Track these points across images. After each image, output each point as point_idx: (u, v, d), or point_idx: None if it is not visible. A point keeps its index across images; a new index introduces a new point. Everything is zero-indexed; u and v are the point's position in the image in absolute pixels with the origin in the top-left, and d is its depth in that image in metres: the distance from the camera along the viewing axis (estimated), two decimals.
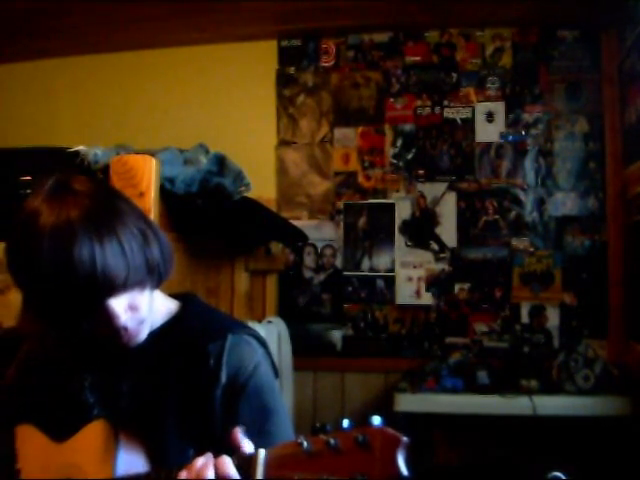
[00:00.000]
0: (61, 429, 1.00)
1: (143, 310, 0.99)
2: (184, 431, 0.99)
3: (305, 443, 0.71)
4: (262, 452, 0.75)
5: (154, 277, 0.99)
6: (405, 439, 0.68)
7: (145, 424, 0.99)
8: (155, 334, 1.05)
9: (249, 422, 1.00)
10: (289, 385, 2.74)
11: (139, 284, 0.96)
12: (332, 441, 0.70)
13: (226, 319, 1.18)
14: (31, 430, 1.03)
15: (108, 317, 0.94)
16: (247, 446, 0.82)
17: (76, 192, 0.92)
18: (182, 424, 1.00)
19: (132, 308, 0.97)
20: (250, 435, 0.85)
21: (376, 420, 0.70)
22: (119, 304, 0.94)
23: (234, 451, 0.81)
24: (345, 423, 0.72)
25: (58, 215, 0.89)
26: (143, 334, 1.01)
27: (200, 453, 0.85)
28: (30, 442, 1.03)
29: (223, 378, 1.02)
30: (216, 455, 0.81)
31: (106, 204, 0.94)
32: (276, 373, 1.12)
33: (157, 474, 0.89)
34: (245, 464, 0.77)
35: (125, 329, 0.97)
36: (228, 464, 0.79)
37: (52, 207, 0.90)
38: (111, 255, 0.90)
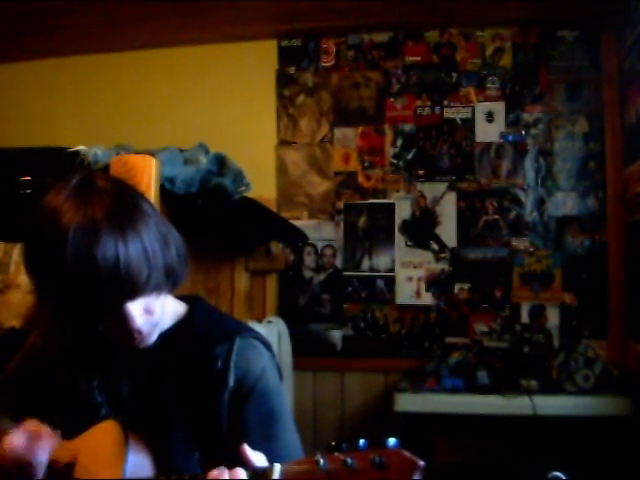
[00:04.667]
0: (69, 428, 1.00)
1: (157, 314, 0.99)
2: (190, 434, 0.99)
3: (322, 461, 0.71)
4: (277, 466, 0.76)
5: (170, 281, 0.99)
6: (421, 463, 0.68)
7: (151, 426, 0.99)
8: (163, 336, 1.05)
9: (255, 426, 1.00)
10: (289, 385, 2.74)
11: (157, 288, 0.96)
12: (349, 460, 0.70)
13: (233, 322, 1.18)
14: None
15: (124, 320, 0.94)
16: (257, 460, 0.81)
17: (101, 191, 0.91)
18: (188, 427, 1.00)
19: (147, 311, 0.97)
20: (256, 439, 0.85)
21: (392, 441, 0.71)
22: (136, 307, 0.94)
23: (246, 465, 0.81)
24: (361, 443, 0.72)
25: (83, 214, 0.88)
26: (154, 337, 1.01)
27: (206, 456, 0.84)
28: None
29: (231, 381, 1.02)
30: (227, 464, 0.81)
31: (130, 204, 0.94)
32: (281, 376, 1.12)
33: (167, 478, 0.90)
34: (259, 478, 0.77)
35: (139, 332, 0.97)
36: (241, 476, 0.79)
37: (77, 206, 0.89)
38: (135, 257, 0.89)
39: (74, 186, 0.92)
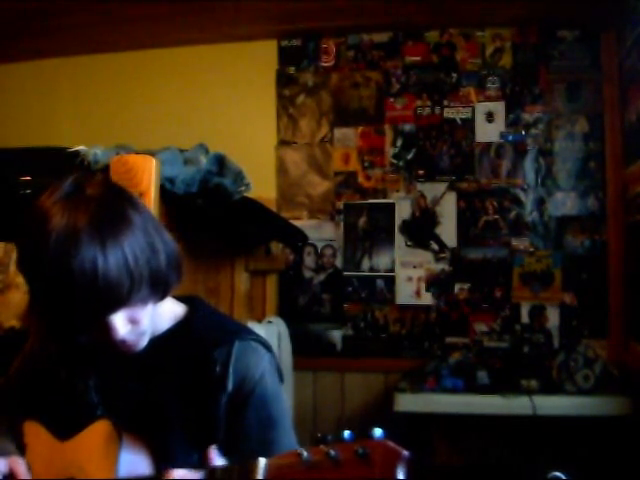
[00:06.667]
0: (65, 428, 1.00)
1: (144, 323, 0.97)
2: (189, 435, 0.99)
3: (305, 453, 0.71)
4: (262, 461, 0.75)
5: (159, 290, 0.97)
6: (406, 453, 0.67)
7: (149, 427, 0.99)
8: (161, 338, 1.04)
9: (253, 431, 1.00)
10: (289, 385, 2.74)
11: (141, 299, 0.94)
12: (332, 452, 0.69)
13: (232, 324, 1.17)
14: (37, 427, 1.04)
15: (106, 330, 0.93)
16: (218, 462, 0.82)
17: (88, 198, 0.90)
18: (187, 428, 0.99)
19: (133, 322, 0.96)
20: (253, 444, 0.85)
21: (377, 432, 0.69)
22: (119, 318, 0.93)
23: (234, 459, 0.81)
24: (346, 434, 0.71)
25: (67, 221, 0.87)
26: (142, 344, 1.00)
27: (204, 458, 0.85)
28: (36, 439, 1.03)
29: (229, 385, 1.02)
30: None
31: (116, 214, 0.92)
32: (281, 378, 1.11)
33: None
34: (245, 472, 0.76)
35: (123, 342, 0.96)
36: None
37: (63, 211, 0.88)
38: (114, 268, 0.87)
39: (65, 189, 0.91)
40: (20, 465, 1.00)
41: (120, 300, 0.90)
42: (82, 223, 0.87)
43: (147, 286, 0.93)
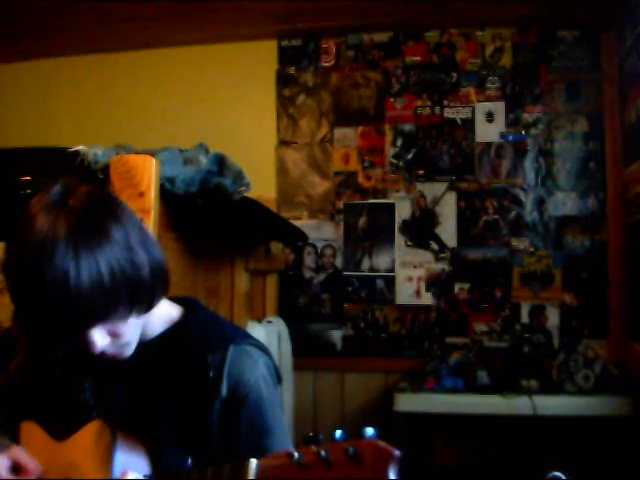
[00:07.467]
0: (61, 428, 1.00)
1: (126, 336, 0.96)
2: (182, 439, 0.98)
3: (296, 454, 0.70)
4: (253, 462, 0.75)
5: (142, 304, 0.95)
6: (397, 452, 0.66)
7: (143, 429, 0.98)
8: (155, 341, 1.04)
9: (247, 438, 0.99)
10: (289, 385, 2.74)
11: (121, 314, 0.92)
12: (323, 453, 0.68)
13: (227, 328, 1.15)
14: (34, 427, 1.04)
15: (85, 344, 0.92)
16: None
17: (69, 209, 0.88)
18: (180, 432, 0.99)
19: (113, 335, 0.94)
20: (246, 451, 0.84)
21: (369, 431, 0.69)
22: (96, 333, 0.91)
23: (227, 459, 0.80)
24: (338, 433, 0.70)
25: (46, 231, 0.86)
26: (127, 353, 0.99)
27: (198, 462, 0.84)
28: (32, 439, 1.03)
29: (223, 391, 1.00)
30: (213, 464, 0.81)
31: (95, 227, 0.89)
32: (280, 379, 1.10)
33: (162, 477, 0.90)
34: (236, 473, 0.76)
35: (103, 354, 0.95)
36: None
37: (44, 220, 0.87)
38: (88, 284, 0.85)
39: (50, 197, 0.90)
40: (22, 453, 0.99)
41: (95, 316, 0.89)
42: (60, 235, 0.85)
43: (126, 302, 0.91)
